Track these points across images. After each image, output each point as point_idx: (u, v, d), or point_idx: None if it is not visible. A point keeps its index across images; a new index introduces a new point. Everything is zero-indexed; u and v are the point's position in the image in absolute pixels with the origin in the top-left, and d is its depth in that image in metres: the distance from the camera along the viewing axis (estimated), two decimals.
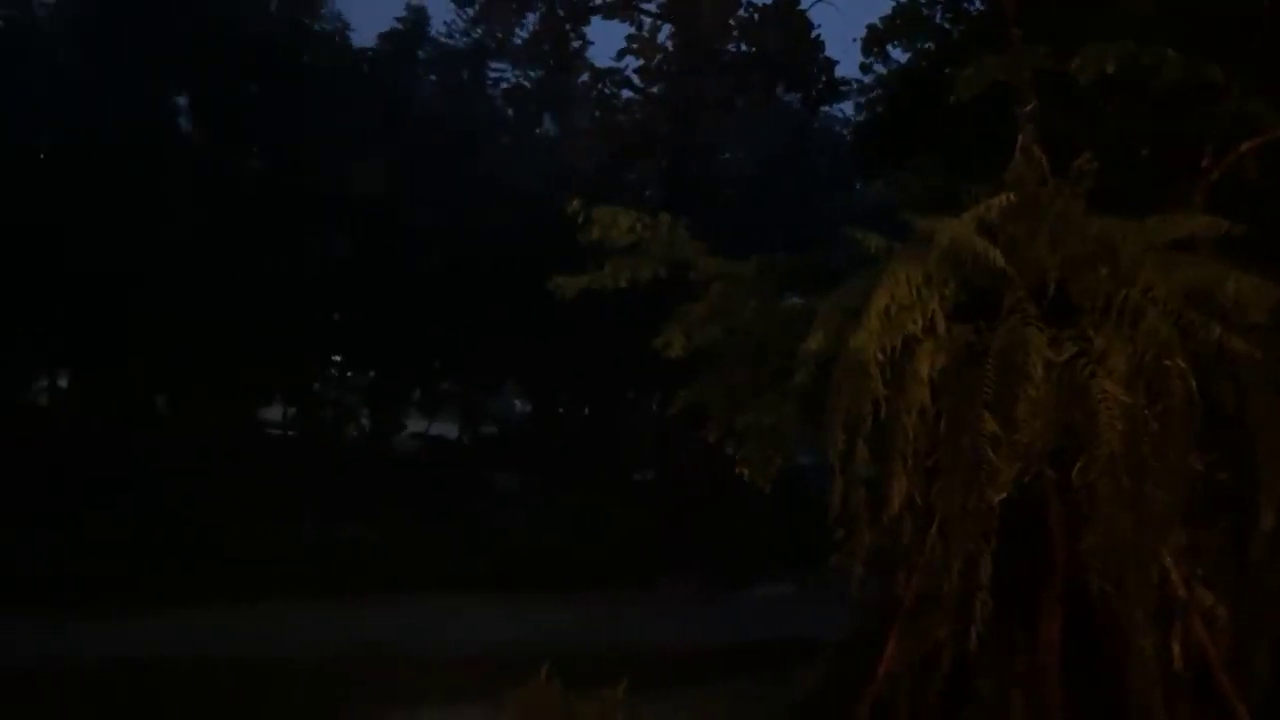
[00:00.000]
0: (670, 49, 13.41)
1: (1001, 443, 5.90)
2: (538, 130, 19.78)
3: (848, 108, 15.39)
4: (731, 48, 14.67)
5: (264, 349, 19.74)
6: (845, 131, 15.18)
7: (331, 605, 13.21)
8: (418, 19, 20.25)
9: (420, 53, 21.54)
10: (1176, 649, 6.20)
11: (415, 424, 23.78)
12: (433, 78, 21.73)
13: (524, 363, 21.84)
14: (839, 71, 13.49)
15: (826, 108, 16.04)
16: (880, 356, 6.03)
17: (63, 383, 23.80)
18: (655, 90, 15.31)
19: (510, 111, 20.40)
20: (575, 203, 7.12)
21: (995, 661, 6.87)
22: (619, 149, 15.46)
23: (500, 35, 15.55)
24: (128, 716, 9.65)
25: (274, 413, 22.37)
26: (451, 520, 17.03)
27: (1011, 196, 6.05)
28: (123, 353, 20.56)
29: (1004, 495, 6.06)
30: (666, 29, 13.62)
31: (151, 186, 19.46)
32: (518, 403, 25.92)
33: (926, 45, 9.57)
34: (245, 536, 15.66)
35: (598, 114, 15.56)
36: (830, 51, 13.36)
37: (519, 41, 16.32)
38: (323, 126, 18.87)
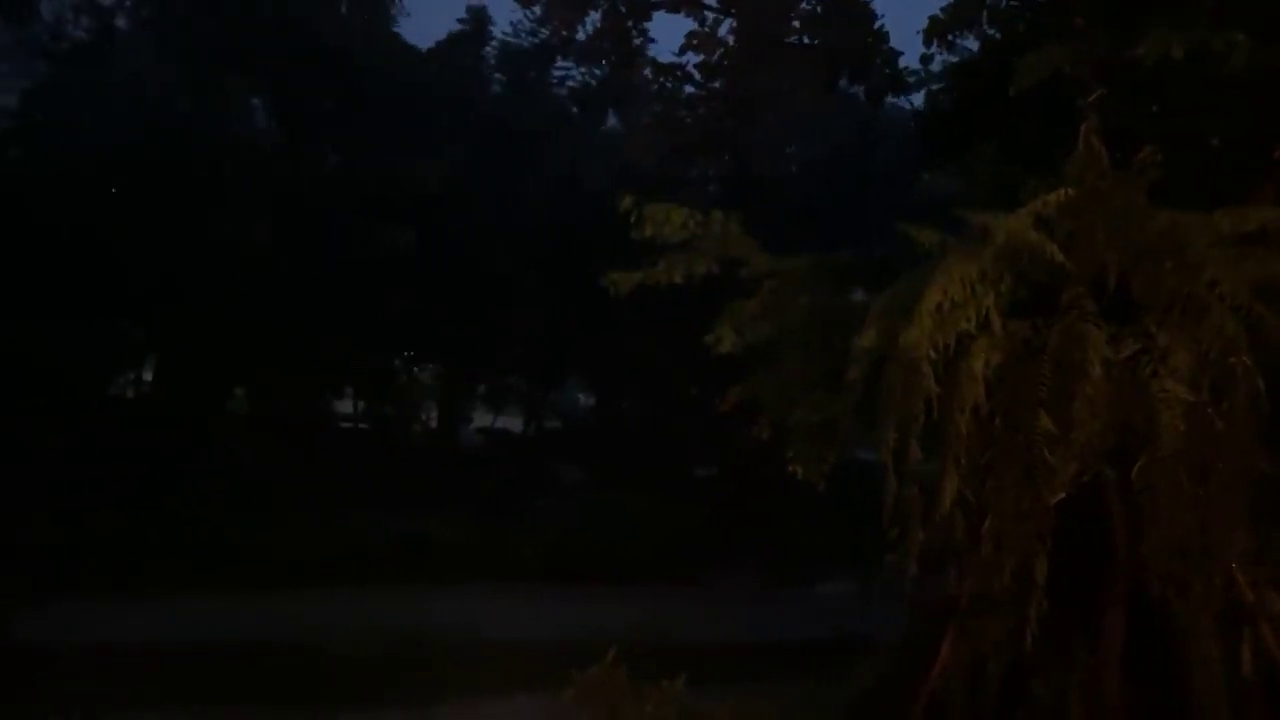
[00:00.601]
0: (731, 43, 13.27)
1: (1058, 442, 5.80)
2: (602, 127, 19.85)
3: (917, 99, 15.09)
4: (794, 40, 14.47)
5: (335, 344, 20.18)
6: (912, 124, 14.97)
7: (390, 593, 13.53)
8: (479, 19, 20.49)
9: (487, 51, 21.81)
10: (1246, 655, 6.02)
11: (482, 418, 24.14)
12: (499, 76, 21.97)
13: (588, 357, 21.98)
14: (903, 63, 13.31)
15: (893, 99, 15.79)
16: (933, 354, 5.95)
17: (147, 376, 24.65)
18: (717, 85, 15.20)
19: (575, 109, 20.51)
20: (628, 200, 7.13)
21: (1053, 664, 6.74)
22: (680, 145, 15.41)
23: (563, 34, 15.60)
24: (209, 694, 10.00)
25: (346, 406, 22.90)
26: (511, 513, 17.27)
27: (1070, 190, 5.90)
28: (203, 347, 21.20)
29: (1061, 496, 5.96)
30: (728, 23, 13.45)
31: (228, 185, 20.00)
32: (581, 397, 26.10)
33: (991, 34, 9.38)
34: (312, 526, 16.06)
35: (659, 110, 15.51)
36: (895, 43, 13.22)
37: (581, 39, 16.31)
38: (391, 125, 19.20)
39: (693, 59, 14.01)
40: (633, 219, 7.17)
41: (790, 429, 7.22)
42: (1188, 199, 6.33)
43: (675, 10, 13.36)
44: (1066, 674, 6.69)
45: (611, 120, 20.08)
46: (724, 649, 11.31)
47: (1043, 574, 5.87)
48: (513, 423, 24.89)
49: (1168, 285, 5.90)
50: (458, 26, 21.03)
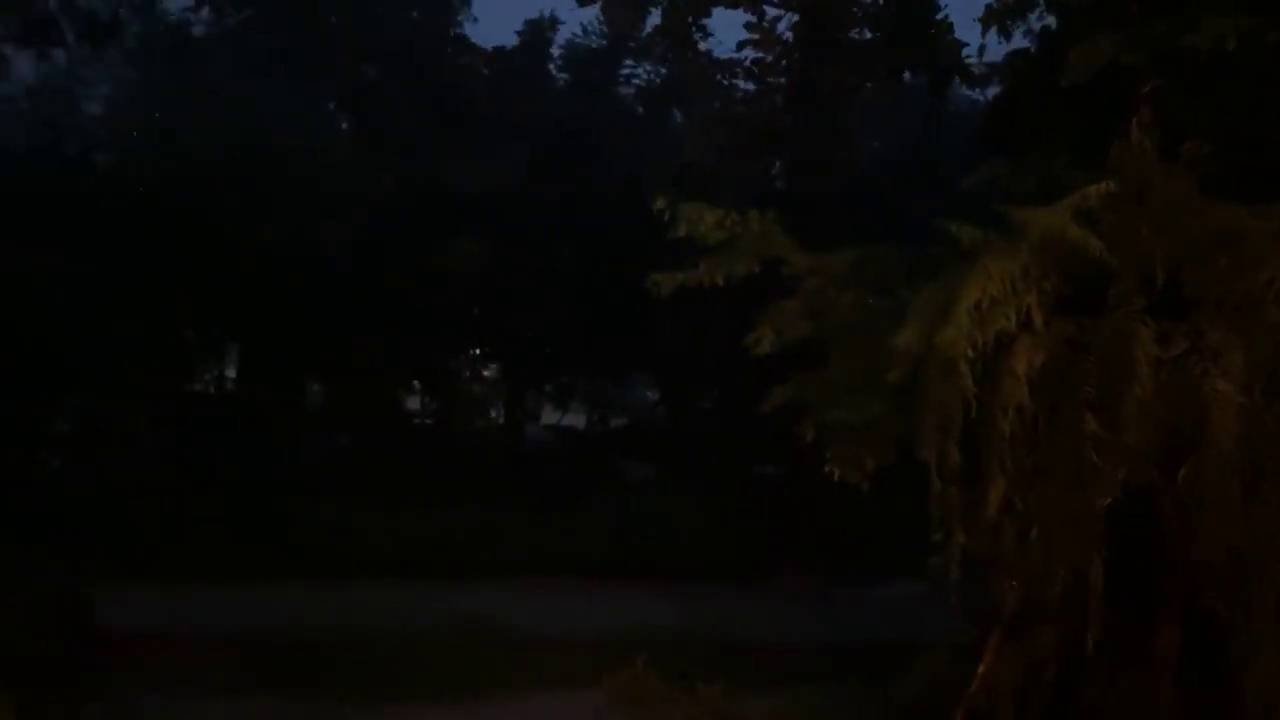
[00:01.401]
0: (791, 38, 13.20)
1: (1105, 444, 5.62)
2: (666, 125, 19.86)
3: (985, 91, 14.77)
4: (855, 33, 14.33)
5: (405, 343, 20.56)
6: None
7: (447, 586, 13.75)
8: (539, 28, 20.73)
9: (553, 51, 22.01)
10: None
11: (549, 415, 24.35)
12: (565, 77, 22.13)
13: (653, 355, 21.99)
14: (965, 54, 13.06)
15: (967, 91, 15.51)
16: (970, 353, 5.81)
17: (230, 373, 25.47)
18: (777, 80, 15.11)
19: (640, 109, 20.56)
20: (661, 200, 7.09)
21: (1104, 674, 6.54)
22: (739, 142, 15.34)
23: (623, 32, 15.71)
24: (266, 682, 10.31)
25: (416, 403, 23.35)
26: (571, 509, 17.34)
27: (1112, 184, 5.69)
28: (281, 346, 21.79)
29: (1110, 500, 5.78)
30: (787, 18, 13.39)
31: (304, 191, 20.48)
32: (650, 394, 26.12)
33: (1048, 24, 9.13)
34: (377, 519, 16.38)
35: (718, 106, 15.49)
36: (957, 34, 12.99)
37: (643, 37, 16.40)
38: (457, 129, 19.49)
39: (751, 55, 14.02)
40: (667, 218, 7.12)
41: (830, 429, 7.14)
42: (1245, 193, 6.08)
43: (734, 6, 13.35)
44: (1118, 685, 6.48)
45: (677, 119, 20.06)
46: (778, 649, 11.14)
47: (1098, 581, 5.69)
48: (581, 420, 25.06)
49: (1221, 282, 5.67)
50: (525, 28, 21.28)
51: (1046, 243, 5.72)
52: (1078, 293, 6.05)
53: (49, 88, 22.41)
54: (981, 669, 6.61)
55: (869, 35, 13.80)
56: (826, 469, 7.25)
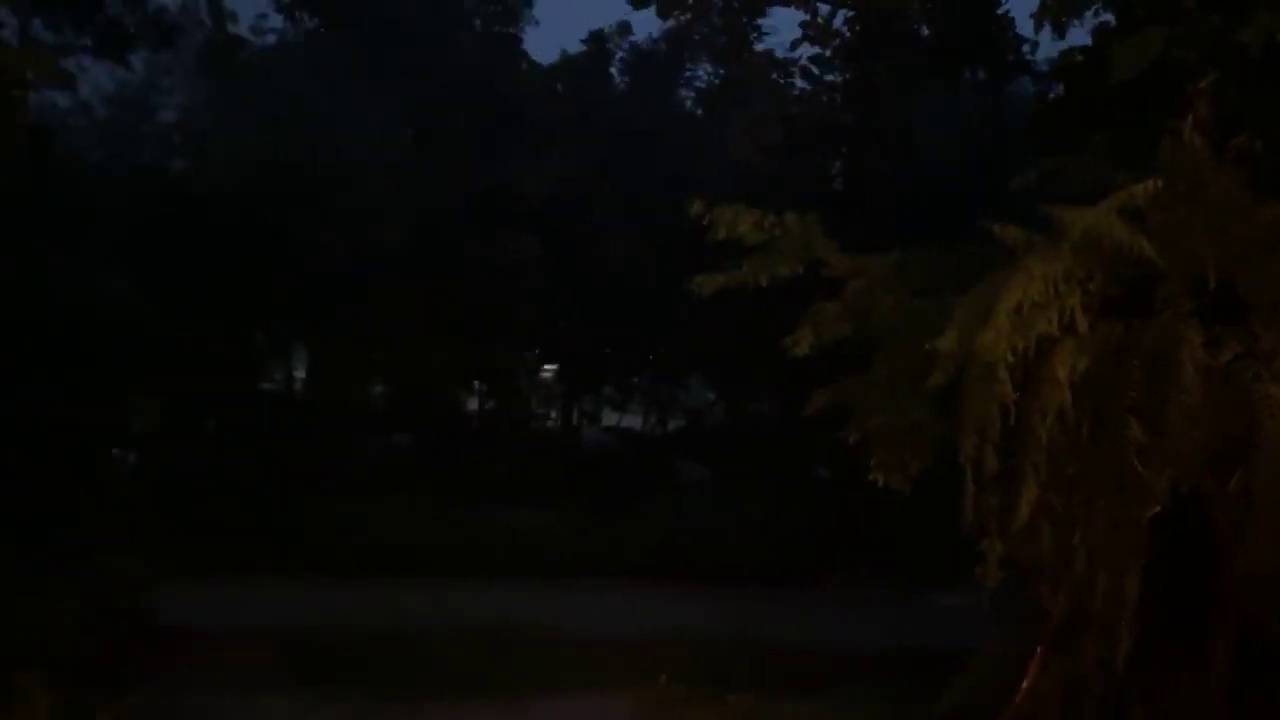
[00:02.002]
0: (846, 35, 13.02)
1: (1150, 451, 5.43)
2: (724, 126, 19.76)
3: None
4: (913, 29, 14.09)
5: (465, 345, 20.77)
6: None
7: (498, 585, 13.89)
8: (601, 36, 20.83)
9: (619, 54, 22.07)
10: None
11: (610, 417, 24.36)
12: (625, 78, 22.15)
13: (711, 356, 21.86)
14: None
15: (1022, 89, 15.15)
16: (1010, 357, 5.66)
17: (300, 373, 26.04)
18: (833, 78, 14.94)
19: (700, 110, 20.51)
20: (697, 204, 7.04)
21: (1154, 685, 6.34)
22: (797, 141, 15.18)
23: (679, 34, 15.70)
24: (317, 677, 10.51)
25: (475, 404, 23.56)
26: (626, 510, 17.31)
27: (1160, 182, 5.50)
28: (347, 347, 22.20)
29: (1156, 509, 5.59)
30: (842, 15, 13.21)
31: (369, 197, 20.82)
32: (711, 396, 25.97)
33: (1104, 20, 8.85)
34: (432, 519, 16.56)
35: (775, 106, 15.35)
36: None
37: (699, 38, 16.35)
38: (517, 135, 19.67)
39: (807, 53, 13.86)
40: (704, 222, 7.07)
41: (873, 434, 7.03)
42: None
43: (787, 4, 13.21)
44: (1169, 703, 6.27)
45: (734, 118, 19.94)
46: (824, 655, 10.97)
47: (1135, 592, 5.50)
48: (640, 421, 25.03)
49: (1276, 283, 5.44)
50: (589, 38, 21.41)
51: (1089, 243, 5.55)
52: (1126, 295, 5.86)
53: (124, 97, 23.22)
54: (1026, 681, 6.44)
55: (926, 32, 13.54)
56: (870, 474, 7.17)
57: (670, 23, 14.73)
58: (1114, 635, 6.25)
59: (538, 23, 22.46)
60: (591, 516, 16.94)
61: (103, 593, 11.32)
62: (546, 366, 23.66)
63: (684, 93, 21.07)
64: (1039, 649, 6.42)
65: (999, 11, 13.38)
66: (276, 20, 22.91)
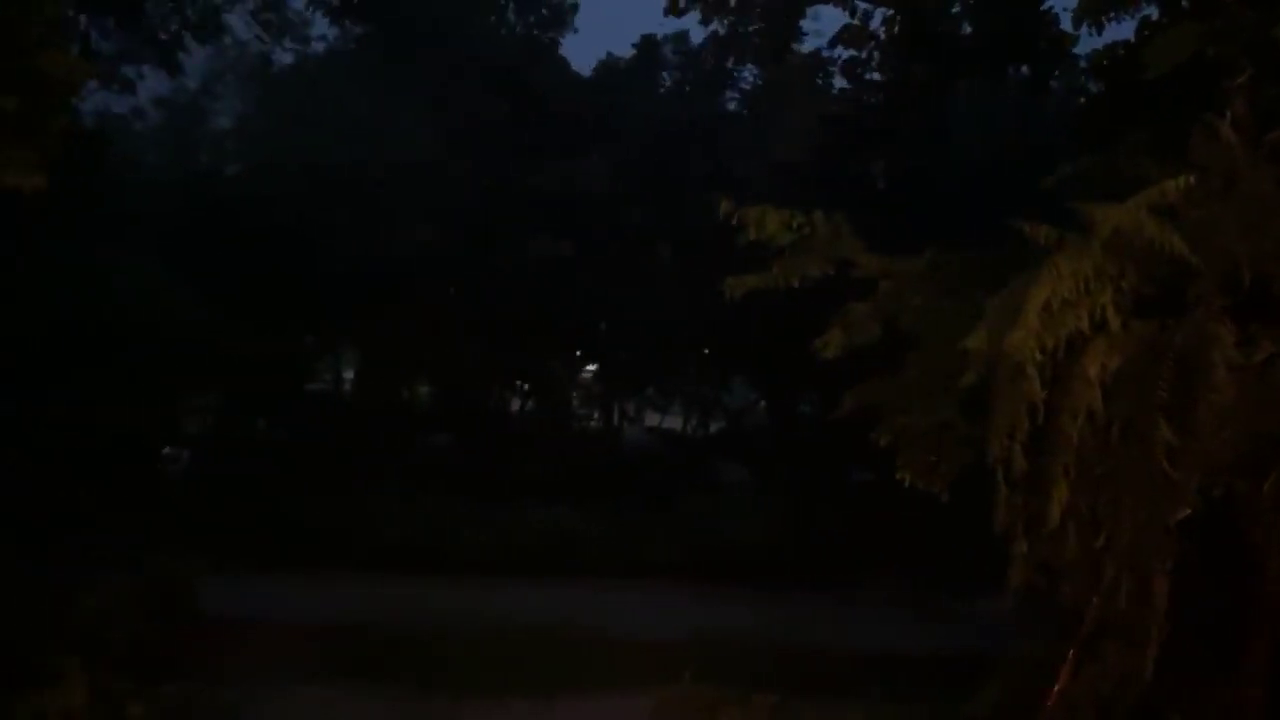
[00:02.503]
0: (882, 36, 12.90)
1: (1180, 452, 5.32)
2: (769, 126, 19.71)
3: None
4: (955, 28, 13.91)
5: (505, 346, 20.94)
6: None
7: (528, 585, 13.99)
8: (652, 41, 20.97)
9: (667, 55, 22.12)
10: None
11: (652, 418, 24.41)
12: (671, 79, 22.17)
13: (753, 357, 21.80)
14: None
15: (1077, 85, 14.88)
16: (1039, 356, 5.58)
17: (348, 375, 26.43)
18: (873, 78, 14.82)
19: (745, 111, 20.50)
20: (725, 205, 7.02)
21: (1189, 693, 6.21)
22: (837, 141, 15.07)
23: (722, 35, 15.65)
24: (353, 671, 10.70)
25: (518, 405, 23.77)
26: (661, 511, 17.32)
27: (1191, 178, 5.39)
28: (390, 349, 22.49)
29: (1186, 512, 5.47)
30: (879, 15, 13.09)
31: (411, 201, 21.05)
32: (753, 397, 25.90)
33: (1146, 14, 8.70)
34: (467, 518, 16.73)
35: (815, 106, 15.27)
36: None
37: (740, 40, 16.28)
38: (553, 135, 19.79)
39: (844, 53, 13.76)
40: (733, 223, 7.05)
41: (901, 434, 6.97)
42: None
43: (826, 1, 13.11)
44: (1203, 712, 6.14)
45: (776, 119, 19.88)
46: (857, 657, 10.92)
47: (1163, 596, 5.39)
48: (682, 423, 25.03)
49: None
50: (640, 42, 21.54)
51: (1119, 240, 5.46)
52: (1160, 293, 5.75)
53: (178, 104, 23.74)
54: (1058, 686, 6.34)
55: (968, 30, 13.36)
56: (897, 474, 7.12)
57: (713, 26, 14.67)
58: (1142, 640, 6.20)
59: (576, 30, 22.66)
60: (625, 517, 16.98)
61: (149, 587, 11.63)
62: (588, 367, 23.79)
63: (729, 94, 21.06)
64: (1070, 653, 6.31)
65: (1043, 7, 13.12)
66: (322, 25, 23.36)
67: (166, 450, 23.18)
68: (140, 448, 20.75)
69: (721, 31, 14.43)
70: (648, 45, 21.40)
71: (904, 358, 7.21)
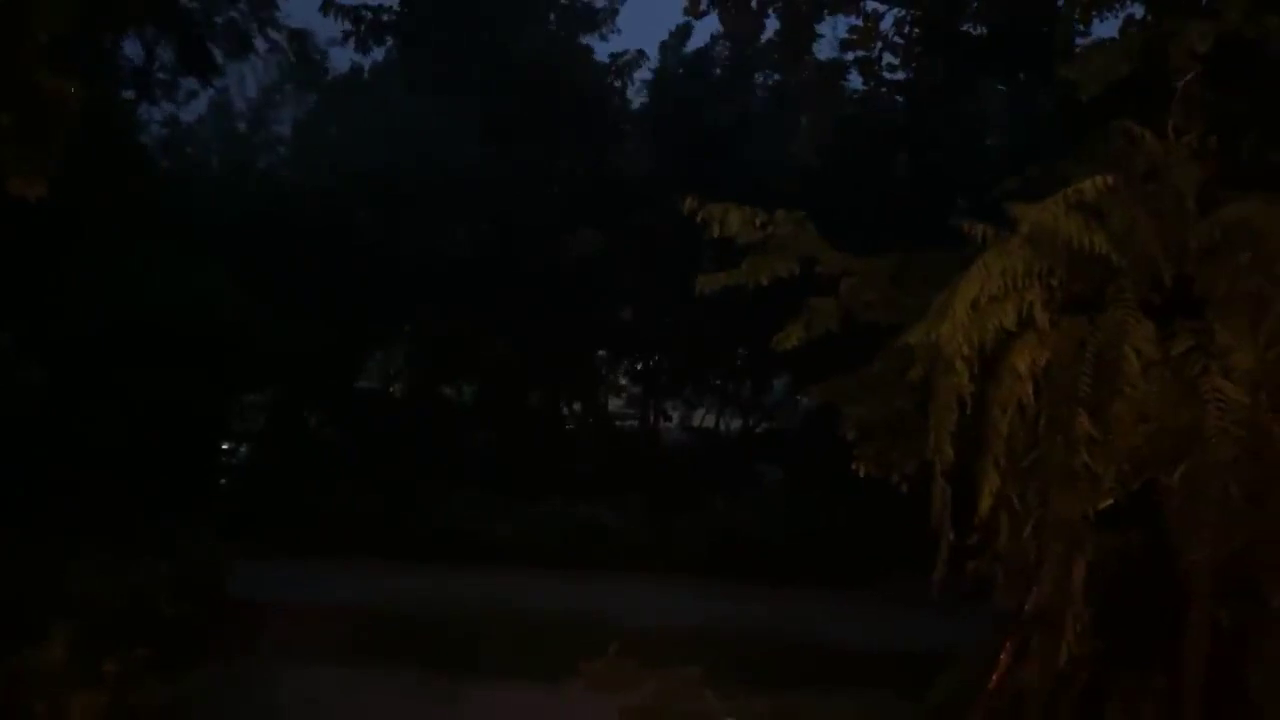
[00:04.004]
0: (892, 37, 12.96)
1: (1098, 445, 5.47)
2: (794, 126, 19.85)
3: None
4: (969, 27, 13.93)
5: (542, 344, 21.42)
6: None
7: (557, 577, 14.47)
8: (682, 33, 21.25)
9: (689, 53, 22.39)
10: None
11: (694, 417, 24.66)
12: (699, 79, 22.39)
13: (791, 357, 21.91)
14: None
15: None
16: (967, 351, 5.77)
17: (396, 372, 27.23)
18: (892, 77, 14.87)
19: (769, 111, 20.66)
20: (690, 201, 7.28)
21: (1129, 682, 6.31)
22: (851, 141, 15.17)
23: (740, 39, 15.86)
24: (373, 653, 11.26)
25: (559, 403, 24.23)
26: (691, 508, 17.59)
27: (1109, 178, 5.53)
28: (437, 347, 23.17)
29: (1108, 502, 5.61)
30: (891, 15, 13.14)
31: (456, 203, 21.62)
32: (792, 396, 25.96)
33: (1130, 13, 8.71)
34: (501, 511, 17.24)
35: (831, 108, 15.35)
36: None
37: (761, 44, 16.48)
38: (588, 134, 20.20)
39: (853, 55, 13.81)
40: (697, 220, 7.32)
41: (860, 427, 7.18)
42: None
43: (836, 11, 13.19)
44: (1142, 693, 6.24)
45: (802, 121, 20.03)
46: (856, 655, 11.07)
47: (1080, 584, 5.55)
48: (723, 421, 25.22)
49: (1234, 279, 5.41)
50: (670, 38, 21.83)
51: (1042, 237, 5.62)
52: (1089, 291, 5.89)
53: (231, 113, 24.73)
54: (995, 676, 6.51)
55: (982, 30, 13.37)
56: (853, 465, 7.34)
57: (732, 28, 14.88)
58: (1061, 629, 6.33)
59: (619, 30, 22.99)
60: (654, 513, 17.30)
61: (183, 570, 12.33)
62: (627, 365, 24.13)
63: (759, 94, 21.23)
64: (1009, 643, 6.47)
65: (1059, 4, 13.07)
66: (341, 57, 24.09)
67: (226, 445, 24.27)
68: (198, 442, 21.77)
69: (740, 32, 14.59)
70: (680, 34, 21.55)
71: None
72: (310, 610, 12.39)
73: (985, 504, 5.82)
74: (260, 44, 19.51)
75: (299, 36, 20.45)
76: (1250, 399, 5.19)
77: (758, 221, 7.29)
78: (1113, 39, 6.60)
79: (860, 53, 12.83)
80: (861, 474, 7.21)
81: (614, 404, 24.41)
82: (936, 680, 7.52)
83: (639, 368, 23.78)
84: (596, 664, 8.22)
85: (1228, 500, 5.14)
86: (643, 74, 21.81)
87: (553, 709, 9.43)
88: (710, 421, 25.45)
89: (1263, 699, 5.58)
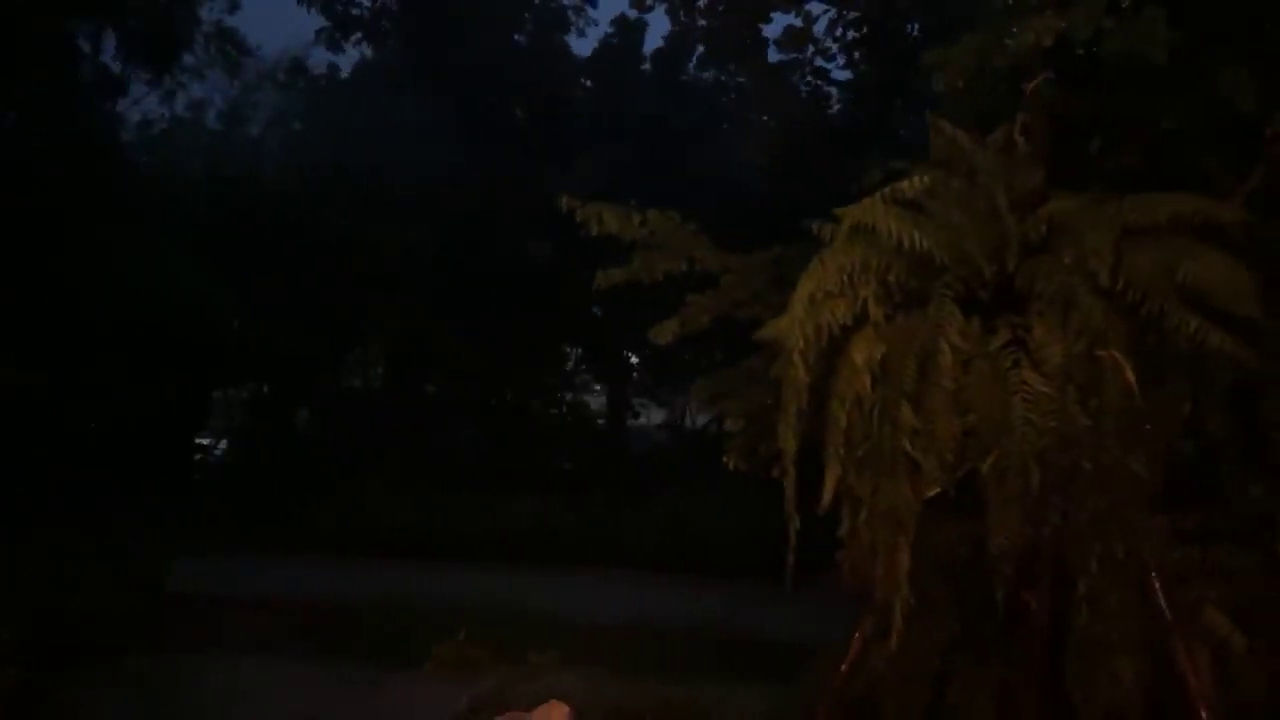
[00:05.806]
0: (822, 42, 13.13)
1: (920, 435, 5.65)
2: (749, 127, 20.03)
3: None
4: (907, 27, 14.08)
5: (512, 345, 21.69)
6: None
7: (506, 571, 14.75)
8: (632, 28, 21.37)
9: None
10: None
11: (660, 414, 24.88)
12: (653, 77, 22.50)
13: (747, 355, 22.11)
14: None
15: None
16: (803, 344, 5.96)
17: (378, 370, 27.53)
18: (832, 79, 15.04)
19: (725, 107, 20.85)
20: (566, 200, 7.47)
21: (968, 671, 6.49)
22: (794, 142, 15.32)
23: (685, 34, 16.01)
24: (312, 644, 11.53)
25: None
26: (649, 503, 17.78)
27: (927, 176, 5.71)
28: (414, 347, 23.47)
29: (935, 491, 5.80)
30: (826, 16, 13.32)
31: (437, 204, 21.88)
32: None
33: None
34: (452, 507, 17.47)
35: (775, 110, 15.55)
36: None
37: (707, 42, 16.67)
38: (550, 135, 20.40)
39: (790, 56, 13.97)
40: (576, 218, 7.51)
41: (727, 418, 7.38)
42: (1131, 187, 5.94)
43: (775, 10, 13.39)
44: (980, 681, 6.41)
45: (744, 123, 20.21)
46: (787, 647, 11.11)
47: (903, 570, 5.73)
48: (696, 418, 25.41)
49: (1050, 277, 5.59)
50: (614, 29, 21.97)
51: (864, 235, 5.81)
52: (924, 286, 6.05)
53: (211, 112, 25.09)
54: (845, 664, 6.70)
55: (915, 30, 13.53)
56: (723, 459, 7.54)
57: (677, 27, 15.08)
58: (938, 619, 6.53)
59: (597, 23, 23.20)
60: (608, 509, 17.50)
61: (127, 564, 12.61)
62: (592, 363, 24.37)
63: (717, 94, 21.40)
64: (857, 633, 6.66)
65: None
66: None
67: (202, 442, 24.62)
68: (172, 439, 22.13)
69: (690, 25, 14.80)
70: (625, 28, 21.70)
71: None
72: (250, 603, 12.72)
73: (829, 494, 6.02)
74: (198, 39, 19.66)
75: (225, 35, 20.67)
76: (1059, 392, 5.35)
77: (636, 220, 7.47)
78: (976, 34, 6.72)
79: (794, 54, 13.08)
80: (730, 467, 7.39)
81: (598, 403, 24.67)
82: (801, 671, 7.70)
83: (605, 365, 24.02)
84: (444, 649, 8.45)
85: (1029, 489, 5.31)
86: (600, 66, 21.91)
87: (396, 689, 9.60)
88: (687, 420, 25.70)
89: (1074, 684, 5.73)
